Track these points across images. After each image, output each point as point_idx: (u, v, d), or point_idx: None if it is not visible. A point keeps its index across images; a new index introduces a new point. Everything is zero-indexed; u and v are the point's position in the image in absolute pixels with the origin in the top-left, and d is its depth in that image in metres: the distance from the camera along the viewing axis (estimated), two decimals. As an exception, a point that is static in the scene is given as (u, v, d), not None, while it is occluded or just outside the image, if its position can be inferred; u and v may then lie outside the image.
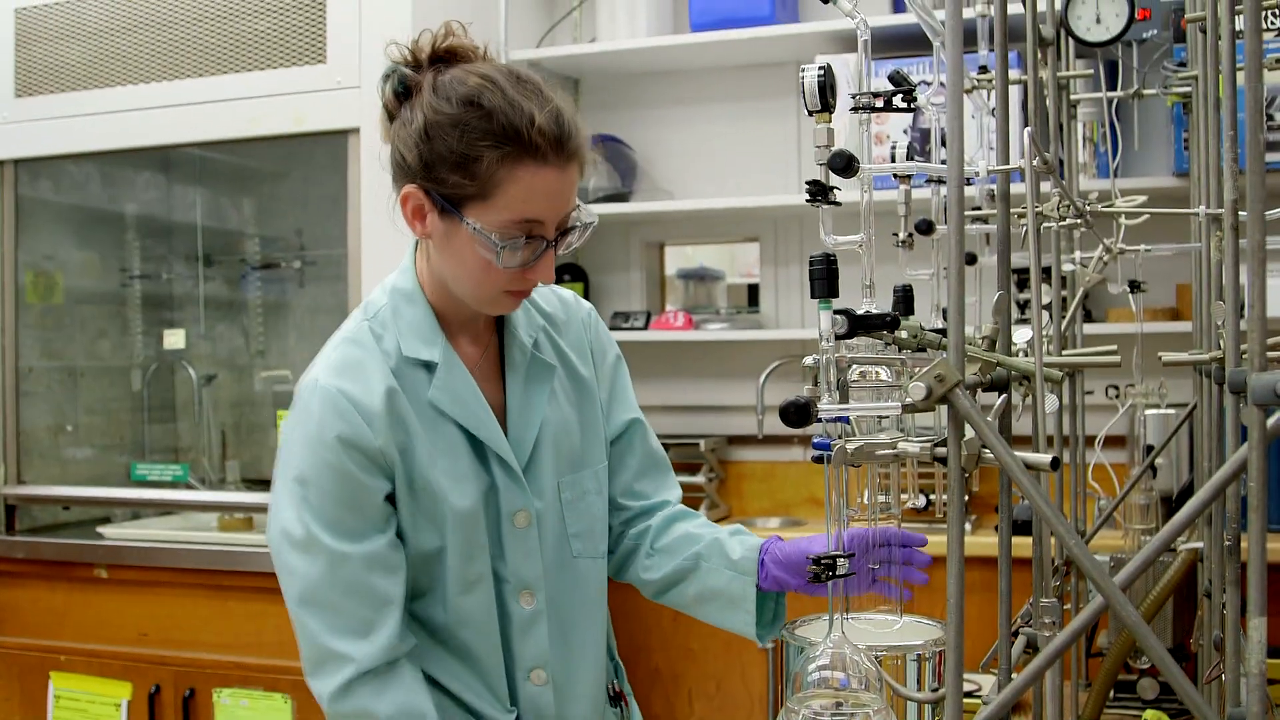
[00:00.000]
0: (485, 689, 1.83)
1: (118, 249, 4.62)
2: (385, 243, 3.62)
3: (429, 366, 1.76)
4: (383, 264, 3.62)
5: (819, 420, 1.08)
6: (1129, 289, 2.50)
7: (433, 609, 1.81)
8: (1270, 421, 0.93)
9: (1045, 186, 1.92)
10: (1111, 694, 2.45)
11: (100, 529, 4.03)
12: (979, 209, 1.98)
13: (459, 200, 1.66)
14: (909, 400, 0.99)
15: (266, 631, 3.57)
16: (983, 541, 3.60)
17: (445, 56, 1.72)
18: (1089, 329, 3.62)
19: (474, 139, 1.63)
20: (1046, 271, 1.98)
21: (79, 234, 4.58)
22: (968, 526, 3.86)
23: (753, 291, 4.55)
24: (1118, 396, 2.79)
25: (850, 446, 1.09)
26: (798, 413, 1.03)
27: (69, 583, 3.94)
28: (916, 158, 1.63)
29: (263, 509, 4.00)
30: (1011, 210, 1.47)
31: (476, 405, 1.78)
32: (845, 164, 1.19)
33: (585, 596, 1.91)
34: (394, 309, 1.79)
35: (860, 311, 1.15)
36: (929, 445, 1.06)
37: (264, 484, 4.29)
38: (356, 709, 1.71)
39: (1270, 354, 1.00)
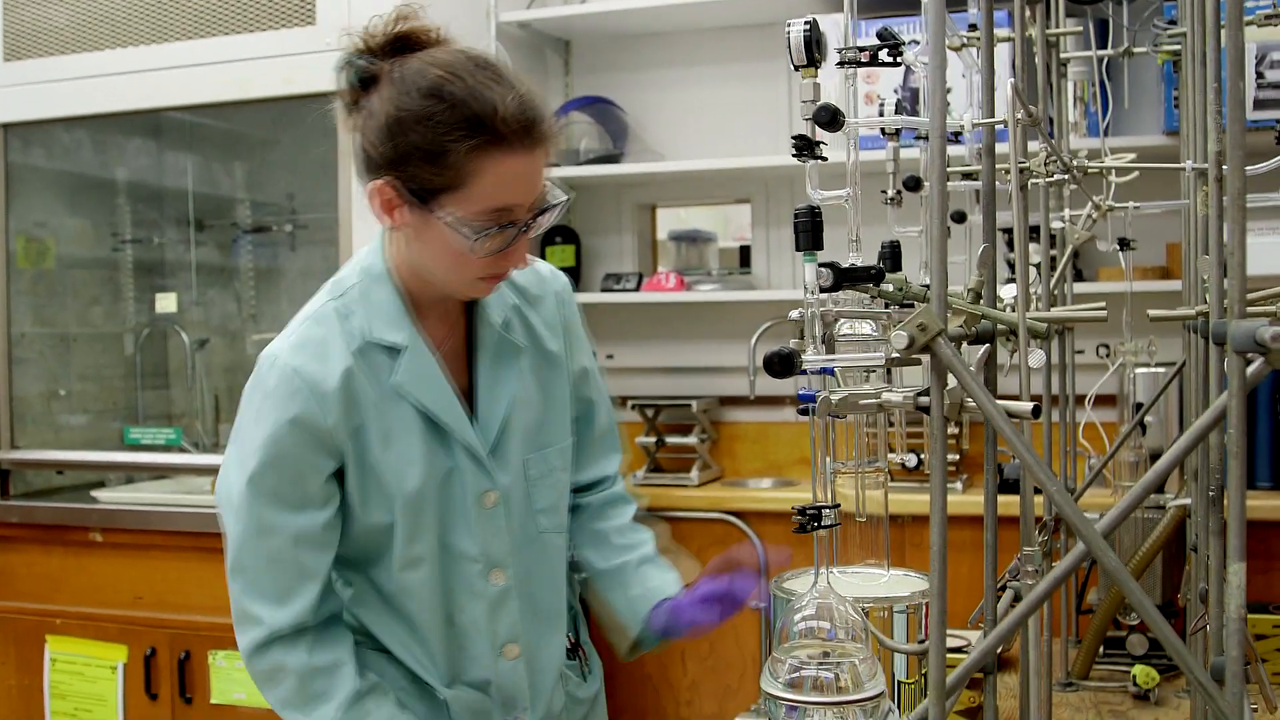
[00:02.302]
0: (429, 660, 1.87)
1: (109, 215, 4.61)
2: (376, 205, 3.62)
3: (395, 350, 1.77)
4: (373, 227, 3.61)
5: (803, 372, 1.09)
6: (1119, 247, 2.50)
7: (381, 577, 1.84)
8: (1250, 369, 0.94)
9: (1034, 145, 1.92)
10: (1101, 650, 2.47)
11: (94, 493, 4.05)
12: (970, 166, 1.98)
13: (430, 193, 1.64)
14: (892, 350, 0.99)
15: (261, 594, 3.59)
16: (974, 501, 3.61)
17: (400, 42, 1.69)
18: (1079, 288, 3.63)
19: (441, 132, 1.60)
20: (1035, 230, 1.98)
21: (70, 200, 4.57)
22: (958, 486, 3.87)
23: (744, 253, 4.55)
24: (1108, 356, 2.79)
25: (834, 397, 1.09)
26: (781, 363, 1.04)
27: (64, 547, 3.95)
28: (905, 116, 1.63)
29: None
30: (998, 166, 1.47)
31: (441, 391, 1.78)
32: (830, 118, 1.19)
33: (551, 570, 1.96)
34: (363, 290, 1.79)
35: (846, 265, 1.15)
36: (912, 395, 1.07)
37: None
38: (270, 665, 1.78)
39: (1256, 309, 1.01)
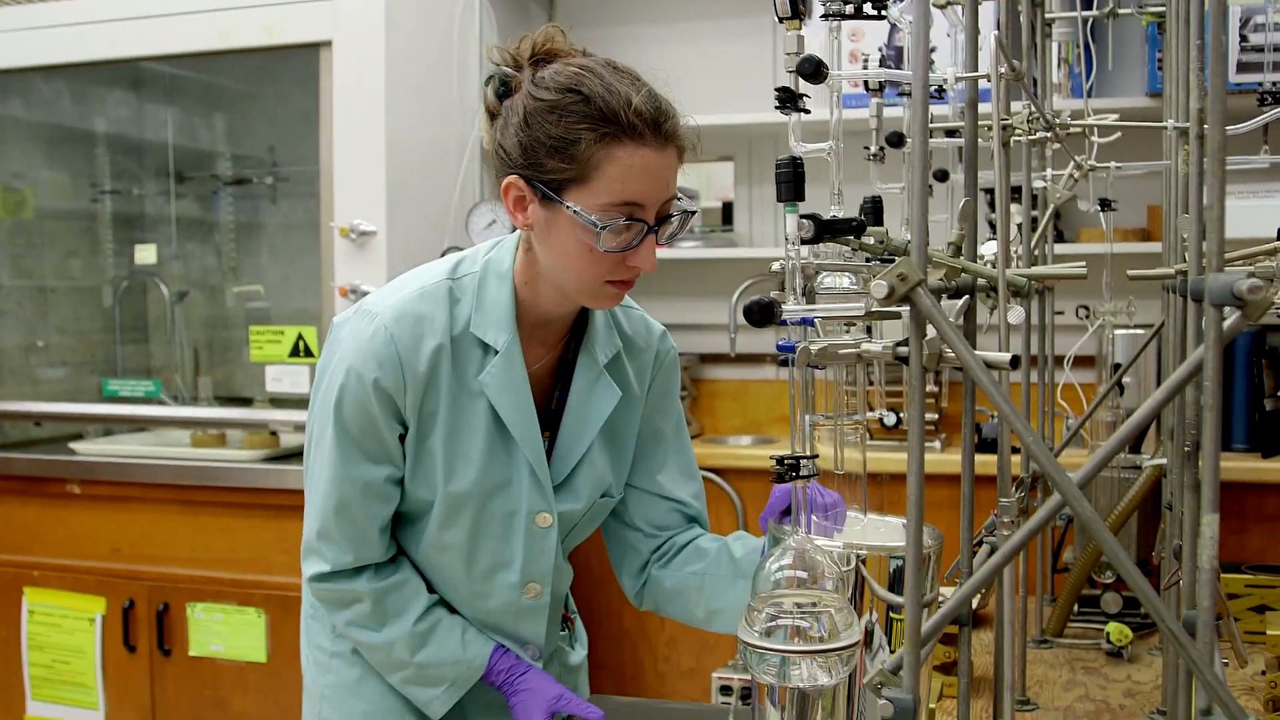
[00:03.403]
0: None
1: (88, 166, 4.58)
2: (356, 157, 3.61)
3: (489, 350, 1.77)
4: (354, 179, 3.61)
5: (783, 323, 1.09)
6: (1100, 207, 2.50)
7: (411, 545, 1.88)
8: (1226, 323, 0.94)
9: (1017, 105, 1.92)
10: (1076, 608, 2.50)
11: (72, 445, 4.04)
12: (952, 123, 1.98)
13: (559, 185, 1.64)
14: (872, 300, 1.00)
15: (239, 547, 3.59)
16: (952, 460, 3.64)
17: (545, 57, 1.72)
18: (1060, 249, 3.64)
19: (572, 123, 1.62)
20: (1017, 190, 1.99)
21: (49, 151, 4.54)
22: (937, 445, 3.89)
23: (727, 210, 4.55)
24: (1088, 317, 2.80)
25: (814, 347, 1.10)
26: (761, 312, 1.04)
27: (41, 499, 3.95)
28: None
29: (234, 424, 4.01)
30: (981, 124, 1.47)
31: (523, 401, 1.79)
32: (814, 70, 1.19)
33: (565, 586, 2.01)
34: (481, 281, 1.79)
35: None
36: (891, 345, 1.08)
37: (236, 400, 4.31)
38: (336, 591, 1.83)
39: (1234, 268, 1.01)
